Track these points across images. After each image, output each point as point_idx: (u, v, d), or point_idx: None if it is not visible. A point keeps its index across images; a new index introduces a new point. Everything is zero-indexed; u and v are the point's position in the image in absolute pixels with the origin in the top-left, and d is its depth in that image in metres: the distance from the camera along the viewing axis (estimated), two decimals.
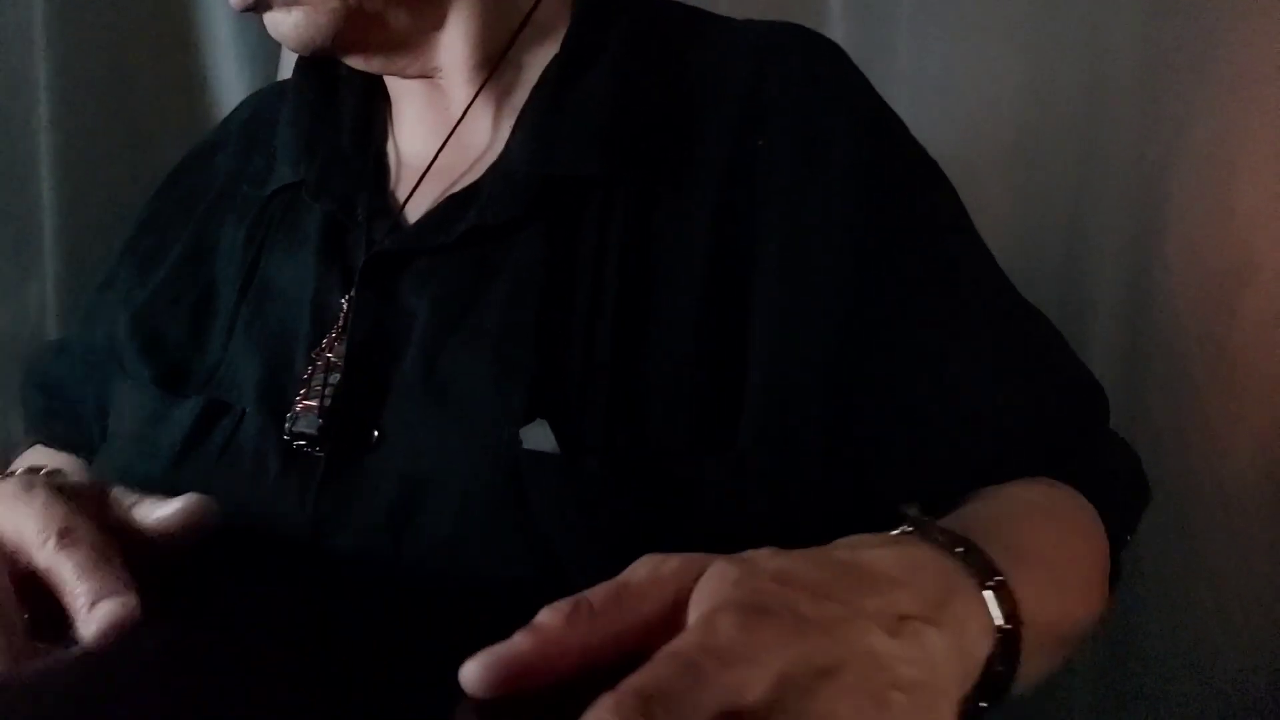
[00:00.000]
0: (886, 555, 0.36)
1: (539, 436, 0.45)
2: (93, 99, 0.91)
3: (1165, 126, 0.85)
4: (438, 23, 0.54)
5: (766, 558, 0.35)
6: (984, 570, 0.38)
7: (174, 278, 0.60)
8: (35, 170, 0.89)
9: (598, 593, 0.34)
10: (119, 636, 0.37)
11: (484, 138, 0.55)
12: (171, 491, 0.49)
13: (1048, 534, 0.48)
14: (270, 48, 0.95)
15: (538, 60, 0.55)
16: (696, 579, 0.34)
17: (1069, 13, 0.89)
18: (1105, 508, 0.53)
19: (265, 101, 0.67)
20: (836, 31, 1.01)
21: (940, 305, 0.52)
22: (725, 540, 0.39)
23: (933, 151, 0.57)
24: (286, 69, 0.92)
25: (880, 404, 0.50)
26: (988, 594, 0.37)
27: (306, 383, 0.51)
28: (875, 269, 0.51)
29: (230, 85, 0.97)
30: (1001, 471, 0.52)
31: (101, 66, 0.91)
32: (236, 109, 0.71)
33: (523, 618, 0.33)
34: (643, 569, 0.35)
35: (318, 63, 0.59)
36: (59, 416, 0.67)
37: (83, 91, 0.90)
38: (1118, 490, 0.56)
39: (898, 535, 0.39)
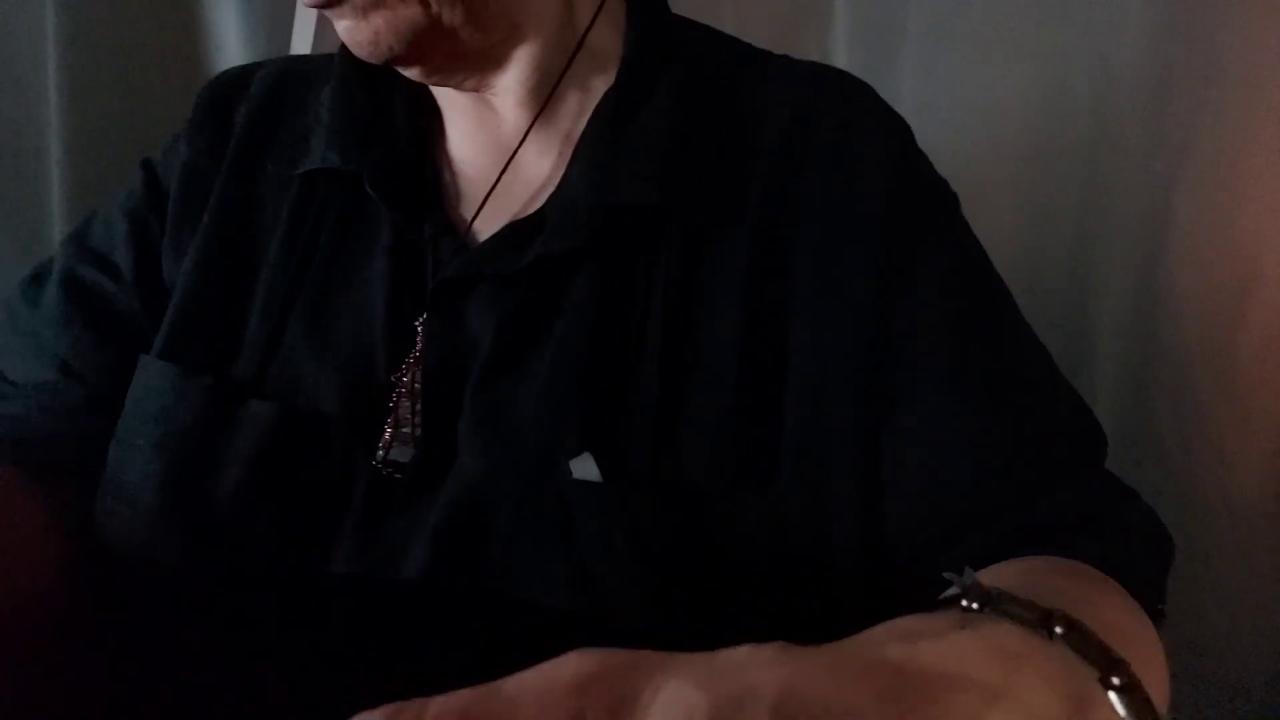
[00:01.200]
0: (961, 647, 0.25)
1: (584, 468, 0.46)
2: (101, 100, 0.91)
3: (1170, 141, 0.86)
4: (507, 43, 0.54)
5: (764, 666, 0.23)
6: (1103, 660, 0.26)
7: (206, 246, 0.56)
8: (45, 170, 0.89)
9: (442, 704, 0.23)
10: None
11: (538, 162, 0.56)
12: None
13: (1122, 613, 0.37)
14: (279, 52, 0.95)
15: (591, 87, 0.56)
16: (620, 698, 0.23)
17: (1075, 31, 0.89)
18: (1137, 585, 0.43)
19: (294, 74, 0.62)
20: (842, 50, 1.01)
21: (961, 346, 0.52)
22: (761, 578, 0.38)
23: (940, 167, 0.57)
24: None
25: (899, 443, 0.50)
26: (1113, 696, 0.26)
27: (393, 411, 0.50)
28: (903, 311, 0.51)
29: None
30: (1003, 504, 0.49)
31: (110, 69, 0.91)
32: (258, 72, 0.63)
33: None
34: (534, 675, 0.24)
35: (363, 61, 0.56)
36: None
37: (92, 92, 0.90)
38: (1147, 567, 0.49)
39: (965, 613, 0.28)
